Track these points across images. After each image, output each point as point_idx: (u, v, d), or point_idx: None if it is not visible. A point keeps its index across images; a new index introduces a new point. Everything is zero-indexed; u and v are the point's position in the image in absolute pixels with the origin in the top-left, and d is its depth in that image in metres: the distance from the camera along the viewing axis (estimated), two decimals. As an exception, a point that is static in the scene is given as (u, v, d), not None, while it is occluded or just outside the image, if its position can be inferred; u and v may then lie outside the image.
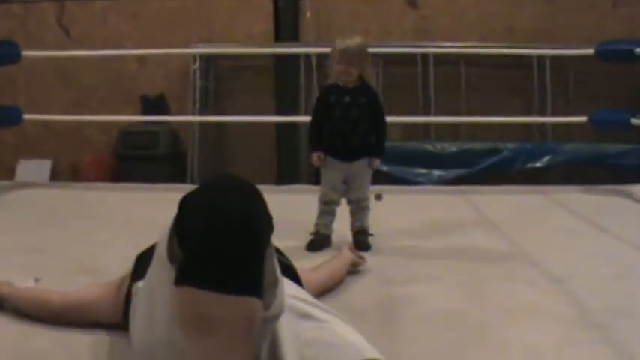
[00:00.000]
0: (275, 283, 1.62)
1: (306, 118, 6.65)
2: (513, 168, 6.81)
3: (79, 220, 4.32)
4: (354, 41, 3.53)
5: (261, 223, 1.53)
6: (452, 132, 7.11)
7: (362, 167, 3.66)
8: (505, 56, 6.82)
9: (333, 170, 3.66)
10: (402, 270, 3.17)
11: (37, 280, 2.96)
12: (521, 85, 7.17)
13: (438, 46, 6.78)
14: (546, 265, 3.28)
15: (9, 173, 7.24)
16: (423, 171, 6.82)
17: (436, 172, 6.81)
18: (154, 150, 7.10)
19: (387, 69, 7.11)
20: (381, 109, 3.66)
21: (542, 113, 7.05)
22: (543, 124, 7.10)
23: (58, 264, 3.26)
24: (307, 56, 6.85)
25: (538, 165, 6.80)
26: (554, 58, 6.85)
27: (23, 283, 2.90)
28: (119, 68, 7.35)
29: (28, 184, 5.67)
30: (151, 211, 4.56)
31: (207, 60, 7.17)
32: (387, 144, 6.76)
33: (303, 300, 1.92)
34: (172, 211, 4.56)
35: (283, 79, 7.07)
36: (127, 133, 7.14)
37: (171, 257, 1.60)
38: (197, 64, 7.05)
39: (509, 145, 6.84)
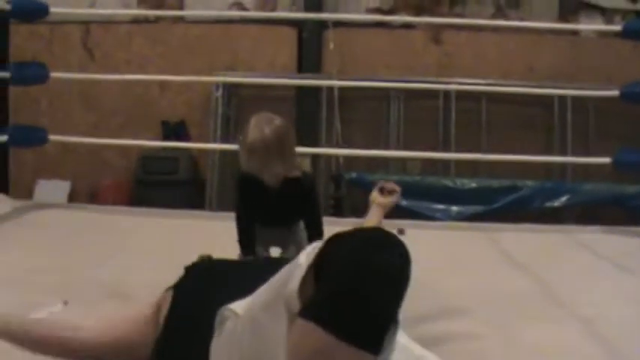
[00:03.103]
0: (394, 327, 1.60)
1: (326, 150, 6.73)
2: (532, 206, 6.79)
3: (100, 243, 4.31)
4: (270, 129, 2.78)
5: (404, 284, 1.54)
6: (471, 168, 7.10)
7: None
8: (526, 94, 6.83)
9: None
10: (430, 306, 3.15)
11: (65, 302, 2.96)
12: (541, 123, 7.19)
13: (460, 83, 6.80)
14: (574, 305, 3.25)
15: (27, 192, 7.24)
16: (441, 206, 6.81)
17: (454, 208, 6.81)
18: (173, 175, 7.12)
19: (408, 103, 7.13)
20: (316, 203, 3.13)
21: (562, 152, 7.05)
22: (563, 163, 7.09)
23: (84, 288, 3.26)
24: (330, 88, 6.87)
25: (557, 204, 6.79)
26: (576, 98, 6.86)
27: (52, 306, 2.92)
28: (141, 92, 7.39)
29: (47, 205, 5.67)
30: (172, 237, 4.59)
31: (230, 88, 7.20)
32: (407, 179, 6.92)
33: None
34: (193, 238, 4.54)
35: (305, 111, 7.10)
36: (147, 158, 7.15)
37: (302, 292, 1.57)
38: (219, 91, 7.08)
39: (529, 183, 6.83)
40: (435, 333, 2.80)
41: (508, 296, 3.43)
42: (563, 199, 6.79)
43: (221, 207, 6.86)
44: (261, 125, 2.79)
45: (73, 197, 7.56)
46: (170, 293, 2.26)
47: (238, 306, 1.87)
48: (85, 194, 7.61)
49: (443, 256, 4.28)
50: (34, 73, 5.35)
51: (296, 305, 1.56)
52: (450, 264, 4.09)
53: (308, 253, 1.62)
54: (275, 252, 3.22)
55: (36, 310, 2.83)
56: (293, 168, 2.89)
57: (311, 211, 3.08)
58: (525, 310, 3.19)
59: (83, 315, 2.80)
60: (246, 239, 3.04)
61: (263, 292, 1.78)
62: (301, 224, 3.15)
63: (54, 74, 5.48)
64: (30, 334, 2.28)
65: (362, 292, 1.45)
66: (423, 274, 3.70)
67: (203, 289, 2.17)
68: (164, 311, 2.21)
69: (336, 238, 1.58)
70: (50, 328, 2.34)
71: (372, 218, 3.19)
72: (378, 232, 1.60)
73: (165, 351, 2.16)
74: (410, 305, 3.07)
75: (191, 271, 2.37)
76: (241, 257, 3.01)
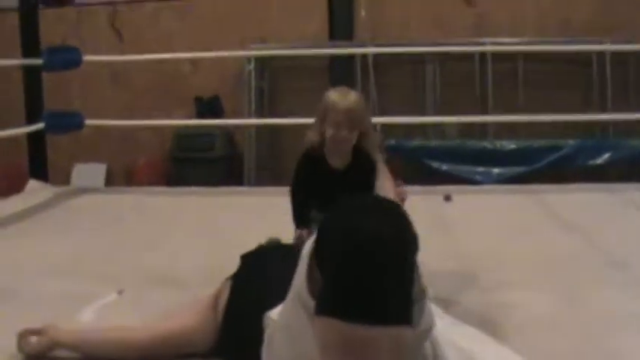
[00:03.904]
0: (422, 295, 1.52)
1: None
2: (574, 165, 6.67)
3: (143, 227, 4.28)
4: (355, 97, 2.71)
5: (408, 246, 1.44)
6: (510, 129, 6.97)
7: None
8: (564, 52, 6.68)
9: None
10: (491, 275, 3.08)
11: (120, 292, 2.92)
12: (580, 80, 7.04)
13: (495, 44, 6.67)
14: (635, 268, 3.16)
15: (64, 177, 7.23)
16: (482, 169, 6.72)
17: (495, 170, 6.71)
18: (209, 152, 7.07)
19: (443, 67, 7.02)
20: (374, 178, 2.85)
21: (602, 108, 6.90)
22: (604, 120, 6.95)
23: (133, 275, 3.21)
24: (364, 55, 6.77)
25: (599, 162, 6.67)
26: (615, 53, 6.71)
27: (107, 296, 2.88)
28: (172, 70, 7.34)
29: (87, 190, 5.63)
30: (216, 216, 4.54)
31: (262, 60, 7.12)
32: (446, 142, 6.84)
33: None
34: (238, 216, 4.50)
35: (339, 79, 6.99)
36: (182, 136, 7.12)
37: (312, 286, 1.51)
38: (252, 64, 7.01)
39: (570, 142, 6.70)
40: (504, 302, 2.73)
41: (565, 260, 3.34)
42: (606, 156, 6.66)
43: (260, 182, 6.82)
44: (342, 92, 2.72)
45: (109, 179, 7.56)
46: (229, 284, 2.23)
47: (276, 312, 1.82)
48: (121, 175, 7.62)
49: (493, 222, 4.19)
50: (67, 58, 5.30)
51: (308, 300, 1.50)
52: (500, 229, 4.00)
53: (308, 243, 1.56)
54: None
55: (91, 302, 2.80)
56: (368, 140, 2.79)
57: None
58: (586, 275, 3.10)
59: (137, 303, 2.79)
60: (300, 212, 2.87)
61: (290, 292, 1.69)
62: None
63: (87, 57, 5.43)
64: (85, 342, 2.26)
65: (362, 269, 1.36)
66: (475, 241, 3.68)
67: (258, 284, 2.13)
68: (222, 303, 2.18)
69: (327, 220, 1.50)
70: (105, 333, 2.32)
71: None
72: (365, 203, 1.52)
73: (223, 348, 2.15)
74: (465, 276, 3.05)
75: (247, 261, 2.34)
76: (296, 234, 2.83)
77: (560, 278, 3.04)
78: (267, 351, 1.81)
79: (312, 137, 2.77)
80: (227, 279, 2.27)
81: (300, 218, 2.84)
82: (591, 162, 6.68)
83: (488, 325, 2.42)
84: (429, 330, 1.58)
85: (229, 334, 2.11)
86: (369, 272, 1.36)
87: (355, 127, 2.68)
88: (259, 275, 2.17)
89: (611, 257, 3.38)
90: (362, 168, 2.78)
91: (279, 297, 1.81)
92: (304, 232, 2.76)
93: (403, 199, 2.80)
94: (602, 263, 3.30)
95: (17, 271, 3.27)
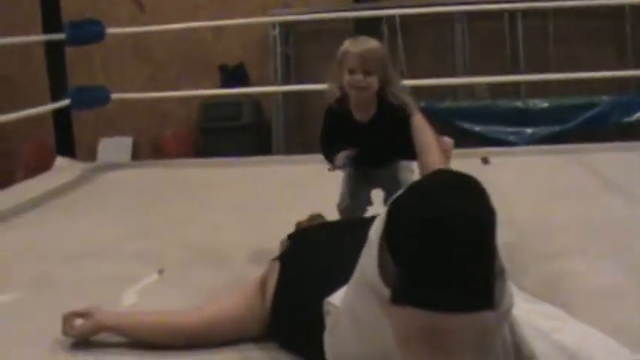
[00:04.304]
0: (502, 272, 1.41)
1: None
2: (608, 122, 6.52)
3: (178, 201, 4.19)
4: (371, 43, 2.61)
5: (490, 224, 1.34)
6: (542, 87, 6.82)
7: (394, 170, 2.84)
8: (595, 6, 6.51)
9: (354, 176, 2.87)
10: (545, 243, 2.96)
11: (160, 271, 2.84)
12: (613, 34, 6.86)
13: (524, 0, 6.50)
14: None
15: (90, 152, 7.15)
16: (514, 129, 6.58)
17: (528, 130, 6.56)
18: (237, 121, 6.97)
19: (472, 26, 6.87)
20: (408, 125, 2.63)
21: (637, 63, 6.73)
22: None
23: (172, 252, 3.14)
24: (390, 17, 6.63)
25: (635, 118, 6.51)
26: (648, 5, 6.53)
27: (147, 277, 2.80)
28: (195, 39, 7.22)
29: (116, 165, 5.55)
30: (249, 187, 4.46)
31: (287, 25, 6.99)
32: (477, 103, 6.70)
33: None
34: (273, 187, 4.39)
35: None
36: (209, 106, 7.01)
37: (383, 272, 1.41)
38: (276, 30, 6.89)
39: (604, 99, 6.55)
40: (563, 271, 2.61)
41: (618, 225, 3.22)
42: (642, 112, 6.52)
43: (289, 149, 6.73)
44: (358, 39, 2.63)
45: (136, 152, 7.49)
46: (276, 267, 2.14)
47: (337, 297, 1.73)
48: (148, 148, 7.53)
49: (537, 185, 4.08)
50: (90, 32, 5.20)
51: (382, 288, 1.41)
52: (546, 193, 3.88)
53: (376, 225, 1.45)
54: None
55: (132, 283, 2.73)
56: (391, 89, 2.64)
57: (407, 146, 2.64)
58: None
59: (180, 282, 2.71)
60: (331, 149, 2.72)
61: (354, 276, 1.61)
62: (406, 163, 2.83)
63: (109, 30, 5.34)
64: (130, 326, 2.19)
65: (444, 253, 1.28)
66: (523, 206, 3.56)
67: (308, 267, 2.04)
68: (271, 287, 2.09)
69: (398, 203, 1.40)
70: (150, 317, 2.24)
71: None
72: (437, 181, 1.41)
73: (273, 333, 2.09)
74: (517, 244, 2.94)
75: (295, 242, 2.27)
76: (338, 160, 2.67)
77: (617, 244, 2.92)
78: (331, 337, 1.73)
79: (331, 91, 2.71)
80: (273, 260, 2.19)
81: (330, 150, 2.72)
82: (626, 119, 6.52)
83: (547, 296, 2.31)
84: (509, 310, 1.49)
85: (280, 319, 2.04)
86: (452, 256, 1.28)
87: (371, 72, 2.56)
88: (309, 258, 2.09)
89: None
90: (388, 119, 2.66)
91: (334, 281, 1.74)
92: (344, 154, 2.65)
93: (448, 157, 2.67)
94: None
95: (55, 255, 3.19)
